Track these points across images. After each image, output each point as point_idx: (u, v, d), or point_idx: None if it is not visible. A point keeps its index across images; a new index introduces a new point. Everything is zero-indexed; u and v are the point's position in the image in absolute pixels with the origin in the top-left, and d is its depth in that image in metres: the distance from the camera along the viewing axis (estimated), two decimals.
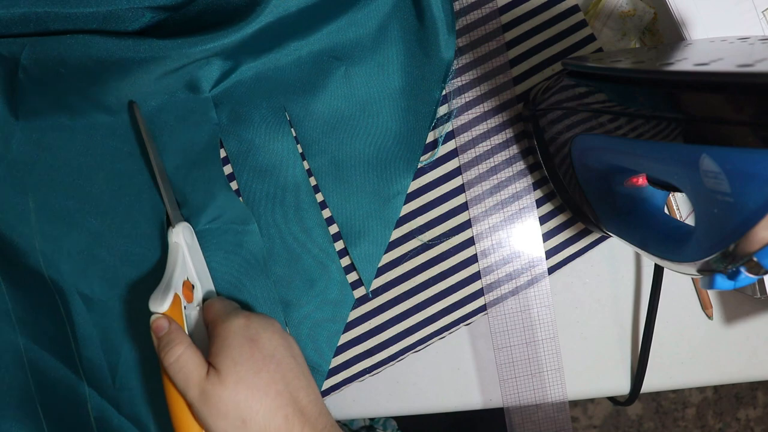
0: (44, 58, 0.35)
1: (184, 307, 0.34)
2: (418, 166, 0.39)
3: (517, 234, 0.40)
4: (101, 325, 0.38)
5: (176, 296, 0.33)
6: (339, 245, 0.39)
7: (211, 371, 0.31)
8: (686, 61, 0.26)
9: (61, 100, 0.37)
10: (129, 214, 0.38)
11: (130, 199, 0.38)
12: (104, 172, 0.38)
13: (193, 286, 0.36)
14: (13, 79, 0.36)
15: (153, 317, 0.32)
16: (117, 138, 0.38)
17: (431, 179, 0.39)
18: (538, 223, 0.40)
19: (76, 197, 0.38)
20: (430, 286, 0.39)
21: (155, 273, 0.38)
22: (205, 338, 0.34)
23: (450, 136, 0.39)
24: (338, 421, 0.50)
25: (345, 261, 0.39)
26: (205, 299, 0.37)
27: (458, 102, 0.39)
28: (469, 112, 0.39)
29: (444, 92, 0.39)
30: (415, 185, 0.39)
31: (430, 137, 0.39)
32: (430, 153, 0.39)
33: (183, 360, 0.31)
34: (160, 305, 0.32)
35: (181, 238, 0.35)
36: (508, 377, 0.40)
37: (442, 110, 0.39)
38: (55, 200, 0.38)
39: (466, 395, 0.41)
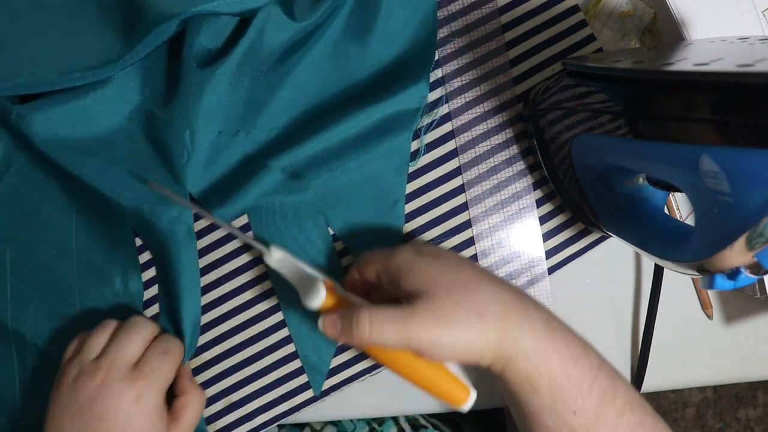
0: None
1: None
2: (409, 171, 0.39)
3: (517, 234, 0.40)
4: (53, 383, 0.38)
5: (325, 283, 0.32)
6: (339, 245, 0.39)
7: (414, 299, 0.29)
8: (686, 61, 0.26)
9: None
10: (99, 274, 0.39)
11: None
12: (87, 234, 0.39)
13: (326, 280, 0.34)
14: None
15: (320, 321, 0.30)
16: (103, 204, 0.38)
17: (431, 179, 0.39)
18: (538, 223, 0.40)
19: (53, 251, 0.38)
20: None
21: None
22: (369, 304, 0.32)
23: (450, 136, 0.39)
24: (336, 422, 0.50)
25: (346, 261, 0.39)
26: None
27: (458, 102, 0.39)
28: (469, 112, 0.39)
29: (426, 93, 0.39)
30: (415, 185, 0.39)
31: (415, 144, 0.39)
32: (417, 147, 0.39)
33: (377, 315, 0.28)
34: (317, 298, 0.31)
35: (282, 253, 0.34)
36: None
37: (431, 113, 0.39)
38: (30, 253, 0.38)
39: None
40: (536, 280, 0.40)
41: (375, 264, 0.33)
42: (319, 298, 0.31)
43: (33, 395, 0.38)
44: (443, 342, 0.28)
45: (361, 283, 0.34)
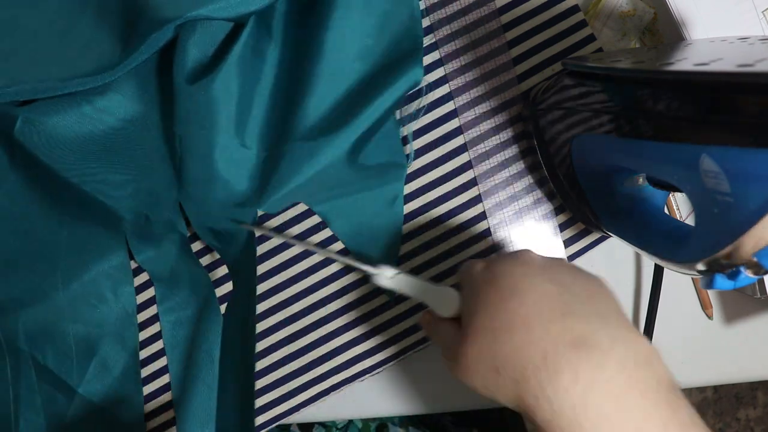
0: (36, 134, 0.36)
1: None
2: (408, 171, 0.39)
3: (516, 234, 0.39)
4: (47, 393, 0.38)
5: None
6: (338, 245, 0.39)
7: (461, 331, 0.28)
8: (686, 61, 0.26)
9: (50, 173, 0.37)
10: (91, 288, 0.39)
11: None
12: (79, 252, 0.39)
13: None
14: (11, 134, 0.36)
15: (421, 315, 0.33)
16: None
17: (431, 179, 0.39)
18: (538, 223, 0.40)
19: (46, 265, 0.38)
20: None
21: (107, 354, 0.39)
22: None
23: (450, 136, 0.39)
24: (323, 424, 0.50)
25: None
26: None
27: (461, 100, 0.39)
28: (469, 112, 0.39)
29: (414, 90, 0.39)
30: (415, 185, 0.39)
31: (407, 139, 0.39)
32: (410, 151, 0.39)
33: (438, 330, 0.31)
34: (451, 306, 0.31)
35: (392, 270, 0.34)
36: None
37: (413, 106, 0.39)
38: (23, 266, 0.38)
39: (468, 396, 0.41)
40: None
41: (461, 271, 0.32)
42: (453, 306, 0.31)
43: (28, 406, 0.38)
44: (467, 383, 0.27)
45: None
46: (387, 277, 0.34)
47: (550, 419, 0.23)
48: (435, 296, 0.32)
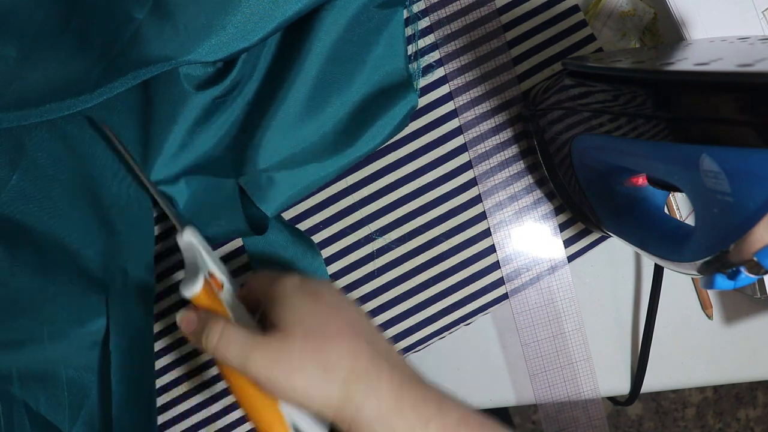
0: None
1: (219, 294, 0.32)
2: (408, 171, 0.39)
3: (516, 235, 0.40)
4: None
5: (207, 282, 0.31)
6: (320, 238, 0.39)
7: (272, 331, 0.28)
8: (686, 61, 0.26)
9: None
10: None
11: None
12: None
13: (218, 280, 0.33)
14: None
15: (179, 313, 0.29)
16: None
17: (431, 179, 0.39)
18: (537, 223, 0.40)
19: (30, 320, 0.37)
20: (430, 287, 0.39)
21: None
22: (251, 320, 0.32)
23: (450, 135, 0.39)
24: None
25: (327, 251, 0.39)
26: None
27: (460, 101, 0.39)
28: (469, 112, 0.39)
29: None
30: (415, 185, 0.39)
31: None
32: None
33: (228, 332, 0.28)
34: (191, 288, 0.29)
35: (192, 237, 0.33)
36: (537, 371, 0.40)
37: None
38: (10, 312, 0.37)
39: (467, 395, 0.41)
40: (536, 280, 0.40)
41: (262, 284, 0.31)
42: (193, 289, 0.30)
43: None
44: (281, 383, 0.27)
45: (252, 299, 0.33)
46: (183, 240, 0.33)
47: (375, 415, 0.27)
48: (190, 275, 0.31)
